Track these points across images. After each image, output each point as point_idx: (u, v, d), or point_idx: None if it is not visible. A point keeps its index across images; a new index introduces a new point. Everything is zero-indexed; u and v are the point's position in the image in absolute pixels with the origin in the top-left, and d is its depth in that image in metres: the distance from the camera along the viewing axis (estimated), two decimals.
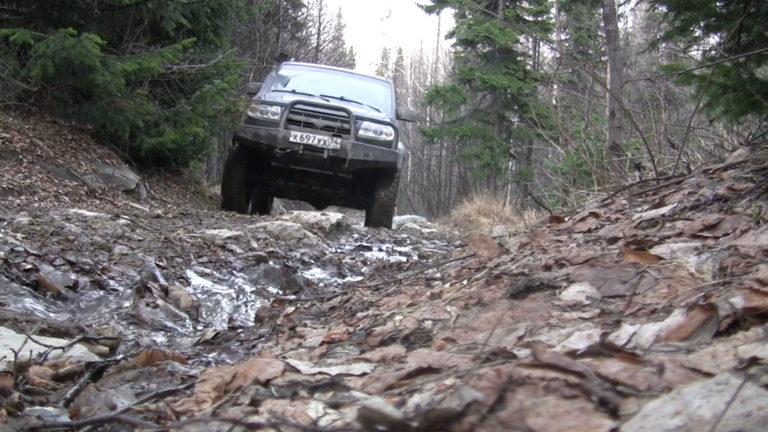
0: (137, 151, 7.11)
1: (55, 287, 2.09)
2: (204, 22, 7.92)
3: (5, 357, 1.19)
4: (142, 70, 6.64)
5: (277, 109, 7.36)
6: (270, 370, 0.83)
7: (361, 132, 7.34)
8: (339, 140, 7.14)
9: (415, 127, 22.23)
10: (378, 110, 8.03)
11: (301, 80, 8.49)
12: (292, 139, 7.08)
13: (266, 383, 0.80)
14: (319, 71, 9.64)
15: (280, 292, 2.68)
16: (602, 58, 18.79)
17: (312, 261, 3.36)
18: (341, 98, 7.86)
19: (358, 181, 7.89)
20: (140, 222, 3.46)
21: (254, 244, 3.45)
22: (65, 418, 0.96)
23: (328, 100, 7.67)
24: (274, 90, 8.15)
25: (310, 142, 7.10)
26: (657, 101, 9.46)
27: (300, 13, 19.86)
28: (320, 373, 0.83)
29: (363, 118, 7.47)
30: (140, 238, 3.05)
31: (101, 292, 2.20)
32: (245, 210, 7.43)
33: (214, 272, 2.78)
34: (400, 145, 8.04)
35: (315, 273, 3.17)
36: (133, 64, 6.45)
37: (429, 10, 20.42)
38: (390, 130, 7.54)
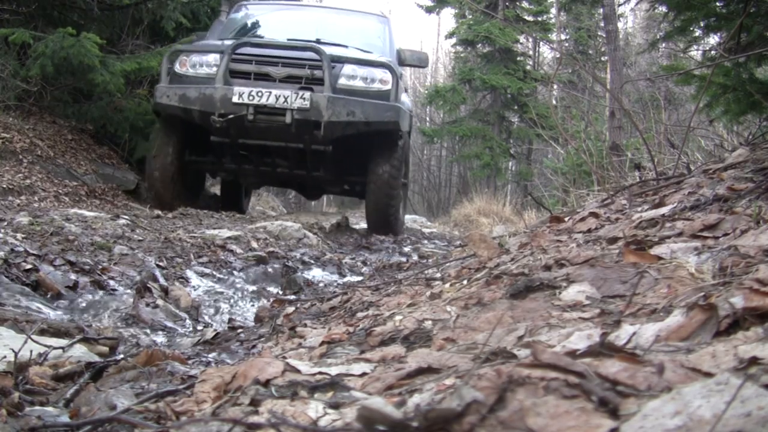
0: (137, 152, 7.12)
1: (55, 287, 2.09)
2: (204, 21, 7.92)
3: (5, 357, 1.19)
4: (142, 70, 6.64)
5: (213, 57, 5.20)
6: (270, 370, 0.83)
7: (342, 80, 5.16)
8: (308, 95, 4.89)
9: (415, 127, 22.20)
10: (370, 53, 5.84)
11: (263, 23, 6.33)
12: (236, 99, 4.89)
13: (266, 383, 0.80)
14: (288, 8, 7.08)
15: (280, 292, 2.68)
16: (602, 58, 18.80)
17: (312, 261, 3.36)
18: (317, 41, 5.58)
19: (345, 155, 5.59)
20: (140, 222, 3.46)
21: (254, 244, 3.45)
22: (65, 418, 0.96)
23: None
24: (222, 40, 5.75)
25: (263, 101, 4.87)
26: (657, 101, 9.46)
27: None
28: (320, 373, 0.83)
29: (344, 60, 5.28)
30: (140, 238, 3.05)
31: (101, 292, 2.20)
32: (173, 206, 5.21)
33: (214, 272, 2.78)
34: (404, 98, 5.74)
35: (315, 273, 3.18)
36: (133, 64, 6.46)
37: (429, 10, 20.41)
38: (386, 74, 5.25)
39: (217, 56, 5.16)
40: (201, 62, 5.30)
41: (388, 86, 5.27)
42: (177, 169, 5.41)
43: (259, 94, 4.95)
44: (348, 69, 5.25)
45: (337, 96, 5.04)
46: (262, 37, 5.81)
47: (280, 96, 4.92)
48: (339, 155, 5.49)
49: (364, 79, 5.28)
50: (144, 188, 6.41)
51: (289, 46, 5.35)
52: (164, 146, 5.35)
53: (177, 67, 5.32)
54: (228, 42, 5.31)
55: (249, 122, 4.95)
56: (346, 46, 5.79)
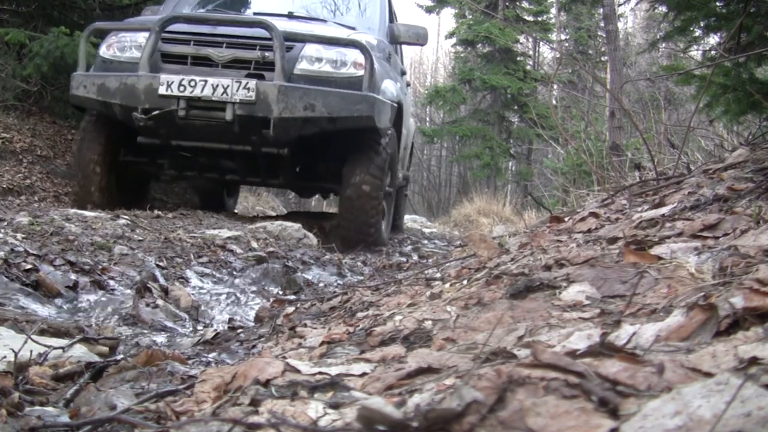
0: None
1: (55, 287, 2.09)
2: None
3: (5, 357, 1.19)
4: None
5: (138, 37, 4.18)
6: (270, 370, 0.83)
7: (302, 64, 4.12)
8: (253, 84, 3.91)
9: (415, 123, 22.15)
10: (353, 29, 4.71)
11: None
12: (162, 90, 3.93)
13: (266, 383, 0.80)
14: None
15: (280, 292, 2.68)
16: (602, 58, 18.81)
17: (312, 261, 3.36)
18: (289, 15, 4.79)
19: (311, 159, 4.69)
20: (140, 222, 3.46)
21: (254, 244, 3.45)
22: (65, 418, 0.96)
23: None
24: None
25: (197, 92, 3.90)
26: (657, 101, 9.47)
27: None
28: (320, 373, 0.83)
29: (307, 38, 4.18)
30: (140, 238, 3.05)
31: (101, 292, 2.20)
32: (112, 208, 4.14)
33: (214, 272, 2.78)
34: (387, 85, 4.55)
35: (315, 273, 3.18)
36: None
37: (429, 10, 20.42)
38: (357, 55, 4.14)
39: (142, 35, 4.16)
40: (131, 44, 4.23)
41: (360, 71, 4.13)
42: (108, 170, 4.44)
43: (192, 83, 3.92)
44: (310, 50, 4.14)
45: (292, 85, 4.00)
46: (219, 12, 4.71)
47: (218, 86, 3.91)
48: (303, 159, 4.62)
49: (333, 62, 4.17)
50: (70, 192, 5.68)
51: (234, 21, 4.26)
52: (92, 144, 4.37)
53: (103, 50, 4.34)
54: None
55: (181, 120, 3.98)
56: (324, 21, 4.81)
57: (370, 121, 4.17)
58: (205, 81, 3.95)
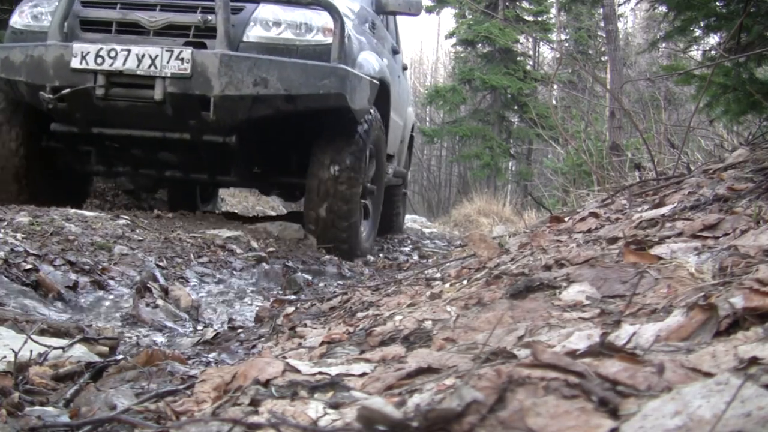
0: None
1: (55, 287, 2.09)
2: None
3: (5, 357, 1.19)
4: None
5: (56, 2, 3.41)
6: (270, 370, 0.83)
7: (255, 30, 3.35)
8: (188, 53, 3.18)
9: (416, 127, 22.13)
10: None
11: None
12: (76, 63, 3.21)
13: (266, 383, 0.80)
14: None
15: (280, 292, 2.68)
16: (602, 58, 18.81)
17: (312, 261, 3.36)
18: None
19: (268, 148, 3.87)
20: (140, 222, 3.46)
21: (254, 244, 3.45)
22: (65, 418, 0.96)
23: None
24: None
25: (119, 65, 3.19)
26: (657, 101, 9.46)
27: None
28: (320, 373, 0.83)
29: None
30: (140, 238, 3.05)
31: (101, 292, 2.20)
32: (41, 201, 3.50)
33: (214, 272, 2.78)
34: (365, 58, 3.79)
35: (315, 273, 3.18)
36: None
37: (429, 10, 20.39)
38: (325, 19, 3.37)
39: None
40: (47, 10, 3.48)
41: (327, 39, 3.33)
42: (28, 159, 3.69)
43: (112, 54, 3.15)
44: (265, 12, 3.36)
45: (237, 54, 3.23)
46: None
47: (144, 56, 3.15)
48: (259, 150, 3.78)
49: (294, 27, 3.36)
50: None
51: None
52: (8, 127, 3.66)
53: (14, 19, 3.60)
54: None
55: (100, 100, 3.23)
56: None
57: (341, 100, 3.35)
58: (128, 51, 3.16)
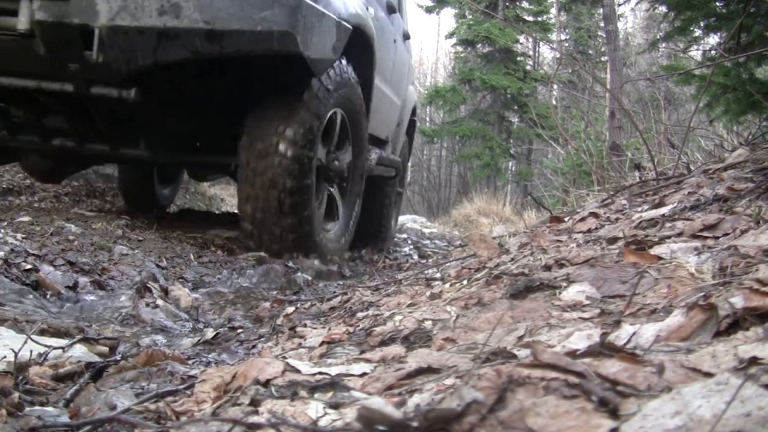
0: None
1: (55, 287, 2.09)
2: None
3: (5, 357, 1.19)
4: None
5: None
6: (270, 370, 0.83)
7: None
8: None
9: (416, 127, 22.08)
10: None
11: None
12: None
13: (266, 383, 0.80)
14: None
15: (280, 292, 2.68)
16: (602, 58, 18.80)
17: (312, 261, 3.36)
18: None
19: (188, 110, 2.92)
20: (140, 222, 3.46)
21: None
22: (65, 418, 0.96)
23: None
24: None
25: None
26: (657, 101, 9.46)
27: None
28: (320, 373, 0.83)
29: None
30: (140, 238, 3.05)
31: (101, 292, 2.20)
32: None
33: (215, 272, 2.78)
34: None
35: (315, 273, 3.17)
36: None
37: (429, 10, 20.41)
38: None
39: None
40: None
41: None
42: None
43: None
44: None
45: None
46: None
47: None
48: (176, 113, 2.85)
49: None
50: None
51: None
52: None
53: None
54: None
55: None
56: None
57: (288, 43, 2.43)
58: None
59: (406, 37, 5.02)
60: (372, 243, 4.51)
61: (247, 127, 2.75)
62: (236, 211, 3.57)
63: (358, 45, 3.12)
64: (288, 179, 2.71)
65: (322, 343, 1.22)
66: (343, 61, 3.03)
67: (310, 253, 2.96)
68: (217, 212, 5.23)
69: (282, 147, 2.68)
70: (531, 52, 21.39)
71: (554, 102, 16.38)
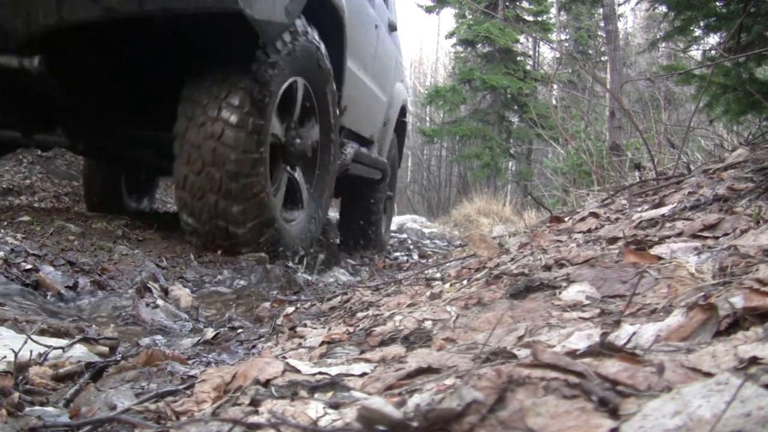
0: None
1: (55, 287, 2.09)
2: None
3: (5, 357, 1.19)
4: None
5: None
6: (270, 370, 0.83)
7: None
8: None
9: (415, 127, 22.15)
10: None
11: None
12: None
13: (266, 383, 0.80)
14: None
15: (280, 292, 2.68)
16: (602, 58, 18.80)
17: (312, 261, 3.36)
18: None
19: (113, 88, 2.47)
20: (140, 222, 3.46)
21: None
22: (65, 418, 0.96)
23: None
24: None
25: None
26: (657, 101, 9.46)
27: None
28: (320, 373, 0.83)
29: None
30: (140, 238, 3.05)
31: (101, 292, 2.20)
32: None
33: (215, 272, 2.78)
34: None
35: (315, 273, 3.17)
36: None
37: (429, 10, 20.41)
38: None
39: None
40: None
41: None
42: None
43: None
44: None
45: None
46: None
47: None
48: (94, 88, 2.38)
49: None
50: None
51: None
52: None
53: None
54: None
55: None
56: None
57: (229, 3, 2.06)
58: None
59: (393, 28, 4.60)
60: (361, 249, 4.16)
61: (183, 95, 2.33)
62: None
63: (325, 17, 2.70)
64: (233, 152, 2.24)
65: (322, 343, 1.21)
66: (304, 24, 2.60)
67: (270, 248, 2.50)
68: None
69: (225, 113, 2.24)
70: (531, 52, 21.39)
71: (554, 102, 16.38)
